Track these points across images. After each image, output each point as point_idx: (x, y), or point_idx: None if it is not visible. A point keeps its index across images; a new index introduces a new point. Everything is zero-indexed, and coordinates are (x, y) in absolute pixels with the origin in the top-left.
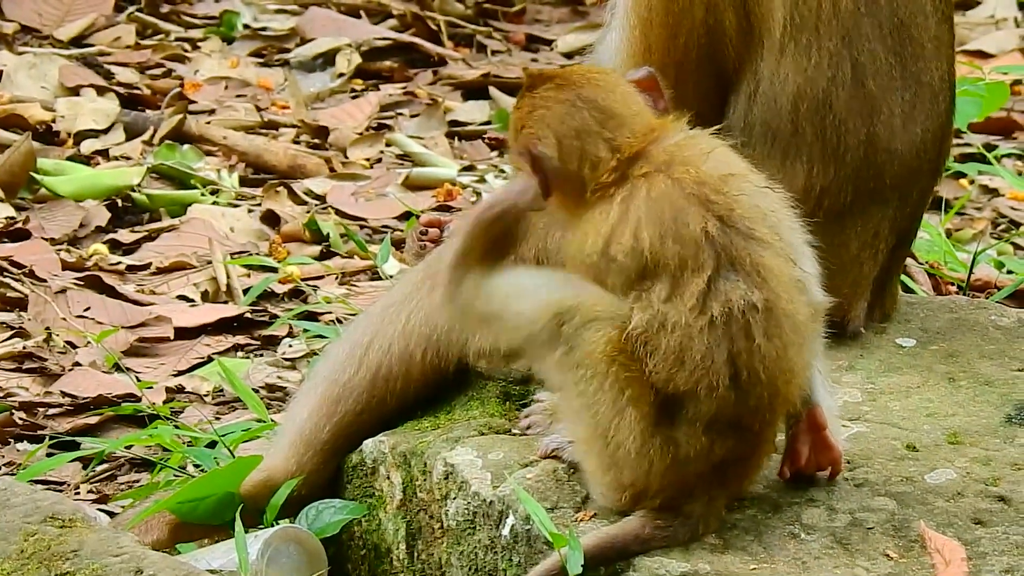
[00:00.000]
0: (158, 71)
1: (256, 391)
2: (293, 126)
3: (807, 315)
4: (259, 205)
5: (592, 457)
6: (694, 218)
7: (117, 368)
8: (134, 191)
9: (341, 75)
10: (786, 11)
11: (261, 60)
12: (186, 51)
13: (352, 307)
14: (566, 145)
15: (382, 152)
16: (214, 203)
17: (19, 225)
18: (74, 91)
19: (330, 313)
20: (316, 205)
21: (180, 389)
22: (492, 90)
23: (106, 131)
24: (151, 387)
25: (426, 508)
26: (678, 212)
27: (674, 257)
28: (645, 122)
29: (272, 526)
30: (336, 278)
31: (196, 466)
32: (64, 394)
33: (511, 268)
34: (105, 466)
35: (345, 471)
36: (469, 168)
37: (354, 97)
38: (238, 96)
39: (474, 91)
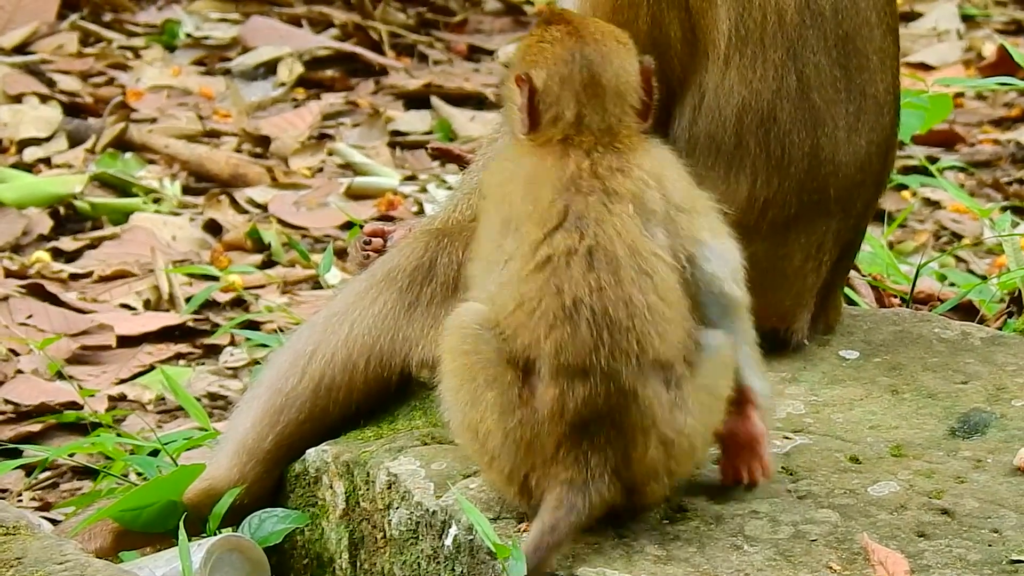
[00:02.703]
0: (100, 79)
1: (198, 400)
2: (235, 135)
3: (664, 262)
4: (201, 214)
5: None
6: (558, 178)
7: (59, 376)
8: (76, 199)
9: (283, 84)
10: (731, 23)
11: (203, 69)
12: (128, 59)
13: (294, 316)
14: (549, 86)
15: (324, 161)
16: (156, 211)
17: None
18: (16, 99)
19: (272, 322)
20: (258, 214)
21: (122, 397)
22: (434, 100)
23: (48, 139)
24: (93, 395)
25: (369, 518)
26: (548, 171)
27: (528, 214)
28: (619, 111)
29: (215, 535)
30: (278, 287)
31: (139, 474)
32: (6, 401)
33: None
34: (48, 474)
35: (288, 480)
36: (411, 178)
37: (296, 106)
38: (180, 105)
39: (416, 101)
